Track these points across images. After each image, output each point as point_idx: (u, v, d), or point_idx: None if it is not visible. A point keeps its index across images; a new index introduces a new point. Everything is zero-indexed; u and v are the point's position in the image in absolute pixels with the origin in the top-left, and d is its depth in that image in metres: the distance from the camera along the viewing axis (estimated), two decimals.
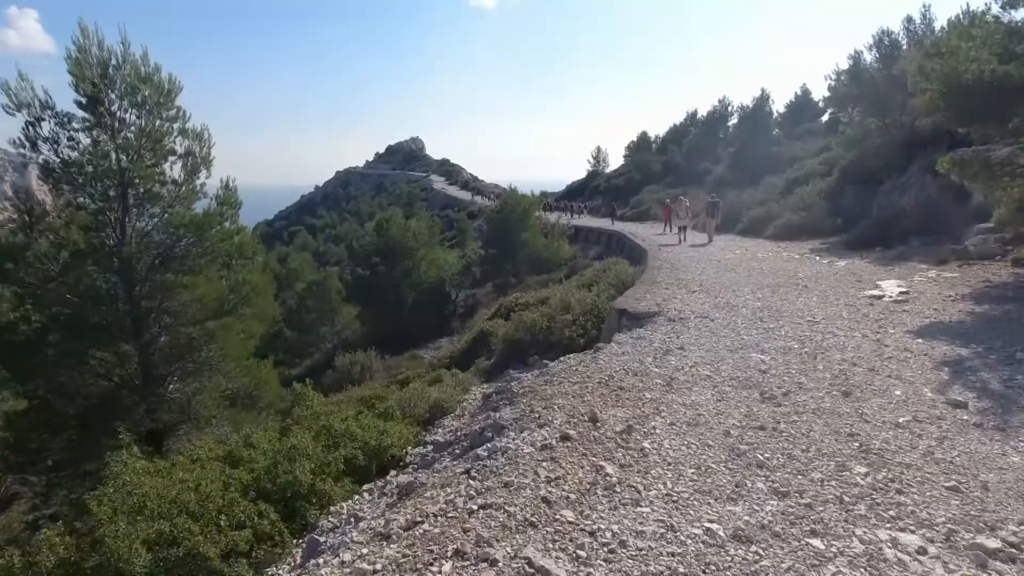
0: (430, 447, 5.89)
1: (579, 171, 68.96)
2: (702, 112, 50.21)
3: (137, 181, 8.38)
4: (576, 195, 63.18)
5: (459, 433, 5.95)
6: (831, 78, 22.02)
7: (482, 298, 28.66)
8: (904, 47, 20.67)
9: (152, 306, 8.92)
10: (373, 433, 5.98)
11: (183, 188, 9.14)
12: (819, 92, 49.28)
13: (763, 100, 36.82)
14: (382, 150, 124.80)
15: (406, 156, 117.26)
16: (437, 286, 26.14)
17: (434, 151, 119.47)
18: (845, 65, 21.31)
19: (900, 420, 4.52)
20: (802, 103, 48.19)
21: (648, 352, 6.29)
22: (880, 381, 5.30)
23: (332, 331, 28.59)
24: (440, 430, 6.61)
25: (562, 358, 6.78)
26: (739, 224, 23.04)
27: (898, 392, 5.02)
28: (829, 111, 43.72)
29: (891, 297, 8.82)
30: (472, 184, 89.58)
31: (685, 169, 45.22)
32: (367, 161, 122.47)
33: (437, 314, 26.03)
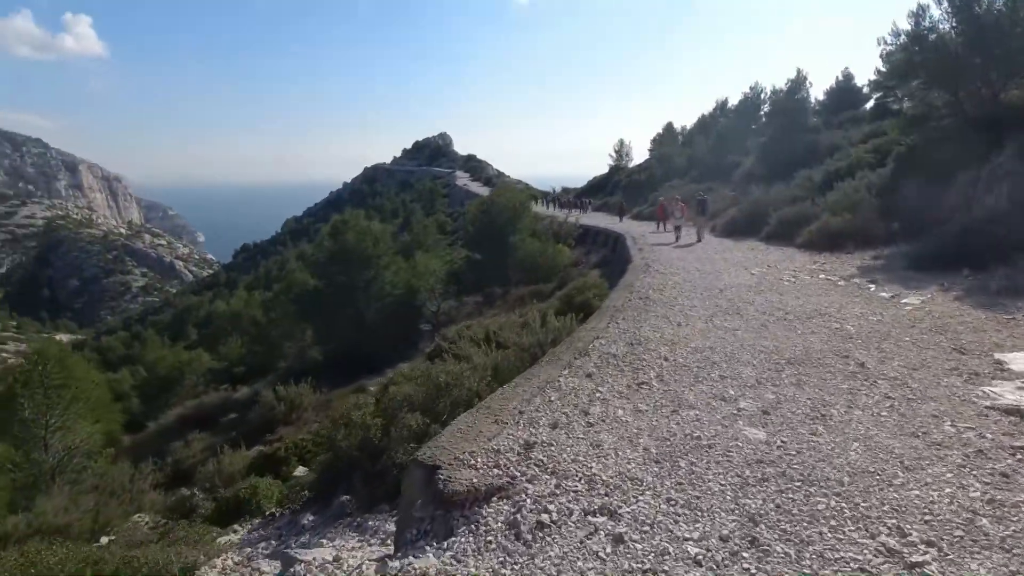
0: None
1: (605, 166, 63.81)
2: (733, 101, 44.44)
3: None
4: (598, 190, 58.58)
5: None
6: (886, 42, 16.62)
7: (463, 311, 24.19)
8: None
9: None
10: None
11: None
12: (863, 76, 43.02)
13: (798, 83, 31.01)
14: (410, 146, 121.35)
15: (433, 152, 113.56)
16: (406, 298, 21.78)
17: (463, 147, 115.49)
18: (905, 25, 15.95)
19: None
20: (843, 90, 42.00)
21: None
22: None
23: (297, 346, 24.59)
24: None
25: None
26: (765, 228, 17.91)
27: None
28: (875, 96, 37.74)
29: None
30: (495, 180, 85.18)
31: (711, 162, 39.94)
32: (394, 157, 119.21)
33: (404, 331, 21.63)
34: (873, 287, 9.03)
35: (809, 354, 5.63)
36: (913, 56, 15.72)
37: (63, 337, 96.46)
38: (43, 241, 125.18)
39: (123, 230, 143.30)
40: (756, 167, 30.93)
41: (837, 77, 42.46)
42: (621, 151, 59.62)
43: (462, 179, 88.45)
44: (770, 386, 4.79)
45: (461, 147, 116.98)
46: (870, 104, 38.28)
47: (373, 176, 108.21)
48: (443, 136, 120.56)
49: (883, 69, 17.37)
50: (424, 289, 23.61)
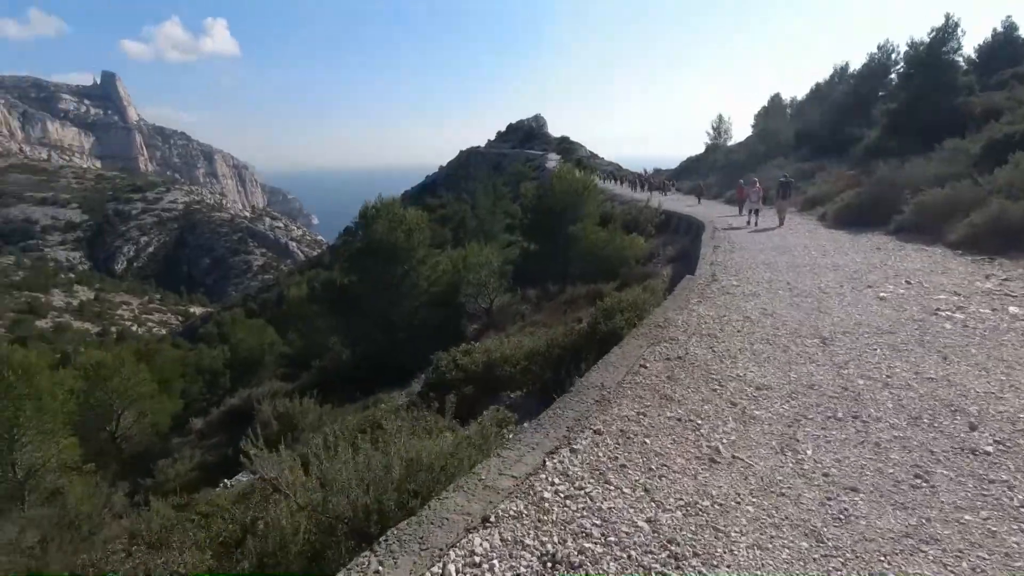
0: None
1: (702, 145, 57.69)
2: (855, 65, 37.27)
3: None
4: (692, 172, 52.94)
5: None
6: None
7: (512, 310, 20.72)
8: None
9: None
10: None
11: None
12: None
13: (947, 32, 24.06)
14: (504, 128, 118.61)
15: (526, 134, 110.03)
16: (446, 296, 18.68)
17: (558, 129, 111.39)
18: None
19: None
20: (1003, 43, 33.43)
21: None
22: None
23: (338, 343, 22.35)
24: None
25: None
26: (896, 217, 12.88)
27: None
28: None
29: None
30: (586, 162, 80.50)
31: (825, 137, 33.66)
32: (489, 140, 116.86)
33: (444, 333, 18.52)
34: None
35: None
36: None
37: (196, 309, 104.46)
38: (182, 223, 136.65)
39: (247, 213, 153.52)
40: (883, 139, 24.78)
41: (994, 28, 33.85)
42: (719, 128, 52.98)
43: (552, 161, 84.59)
44: None
45: (556, 129, 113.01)
46: None
47: (468, 159, 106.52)
48: (536, 118, 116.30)
49: None
50: (473, 283, 20.33)
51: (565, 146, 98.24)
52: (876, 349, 4.87)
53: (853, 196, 15.93)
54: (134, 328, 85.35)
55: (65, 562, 9.91)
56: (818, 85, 42.24)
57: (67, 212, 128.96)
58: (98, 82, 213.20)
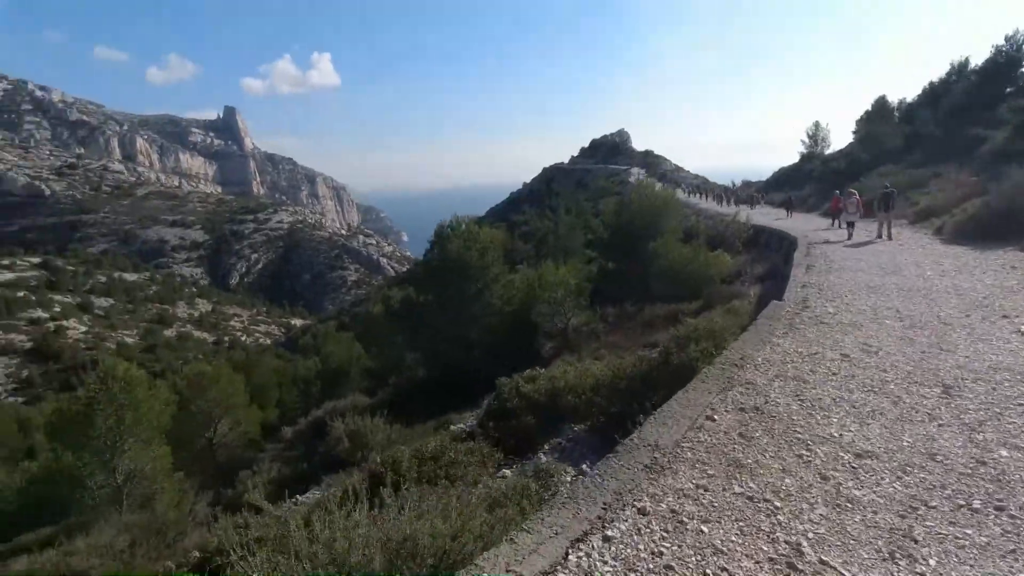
0: None
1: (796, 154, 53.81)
2: (976, 60, 33.49)
3: None
4: (784, 183, 49.66)
5: None
6: None
7: (586, 331, 19.96)
8: None
9: None
10: None
11: None
12: None
13: None
14: (587, 145, 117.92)
15: (610, 149, 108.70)
16: (519, 316, 18.27)
17: (644, 143, 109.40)
18: None
19: None
20: None
21: None
22: None
23: (415, 358, 22.50)
24: None
25: None
26: None
27: None
28: None
29: None
30: (669, 175, 78.17)
31: (941, 140, 30.39)
32: (572, 156, 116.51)
33: (517, 353, 18.12)
34: None
35: None
36: None
37: (296, 321, 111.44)
38: (287, 241, 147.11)
39: (343, 231, 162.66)
40: (1013, 141, 21.80)
41: None
42: (816, 136, 49.24)
43: (635, 175, 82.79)
44: None
45: (641, 143, 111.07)
46: None
47: (551, 176, 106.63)
48: (620, 133, 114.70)
49: None
50: (549, 302, 19.79)
51: (649, 160, 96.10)
52: (1022, 404, 3.80)
53: (979, 206, 13.85)
54: (243, 338, 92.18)
55: (148, 568, 10.32)
56: (932, 84, 38.23)
57: (192, 232, 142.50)
58: (221, 116, 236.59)
